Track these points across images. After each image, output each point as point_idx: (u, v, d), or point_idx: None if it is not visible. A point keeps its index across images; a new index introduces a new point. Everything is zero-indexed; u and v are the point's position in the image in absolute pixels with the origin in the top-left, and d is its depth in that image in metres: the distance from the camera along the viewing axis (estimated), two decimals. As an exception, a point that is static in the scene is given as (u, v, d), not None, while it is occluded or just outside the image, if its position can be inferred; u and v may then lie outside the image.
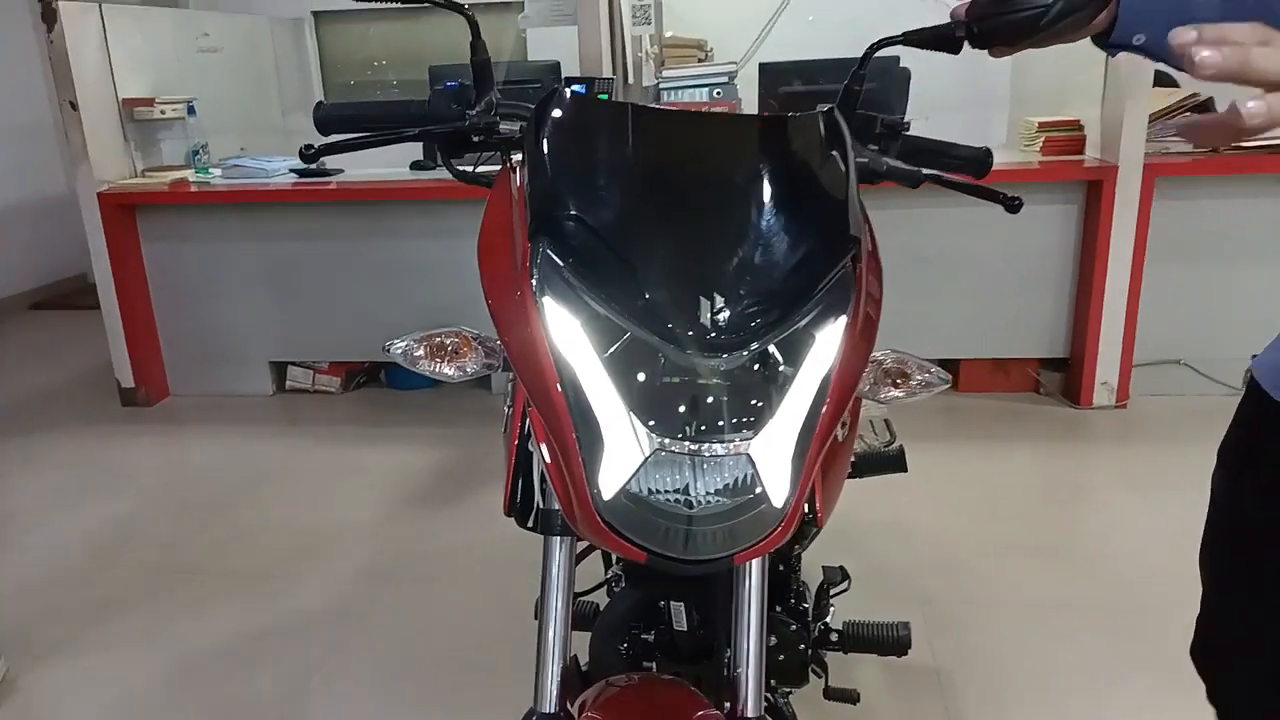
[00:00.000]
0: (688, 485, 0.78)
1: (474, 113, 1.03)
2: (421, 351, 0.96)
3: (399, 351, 0.97)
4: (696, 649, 1.21)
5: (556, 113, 0.92)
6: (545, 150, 0.90)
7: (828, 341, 0.83)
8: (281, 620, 2.25)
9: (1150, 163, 3.05)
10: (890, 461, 1.82)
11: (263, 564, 2.52)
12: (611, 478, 0.78)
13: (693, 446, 0.77)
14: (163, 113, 3.58)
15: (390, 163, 3.64)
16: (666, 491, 0.78)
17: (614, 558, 1.31)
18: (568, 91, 0.93)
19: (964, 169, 1.07)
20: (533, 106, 0.95)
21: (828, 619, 1.55)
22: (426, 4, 1.03)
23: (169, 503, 2.92)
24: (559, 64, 3.59)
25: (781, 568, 1.39)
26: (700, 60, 4.60)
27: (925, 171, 1.04)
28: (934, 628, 2.11)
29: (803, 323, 0.83)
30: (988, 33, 0.97)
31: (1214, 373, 3.30)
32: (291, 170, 3.64)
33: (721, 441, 0.78)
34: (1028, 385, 3.46)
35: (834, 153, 0.92)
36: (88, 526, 2.77)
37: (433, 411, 3.57)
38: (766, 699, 1.39)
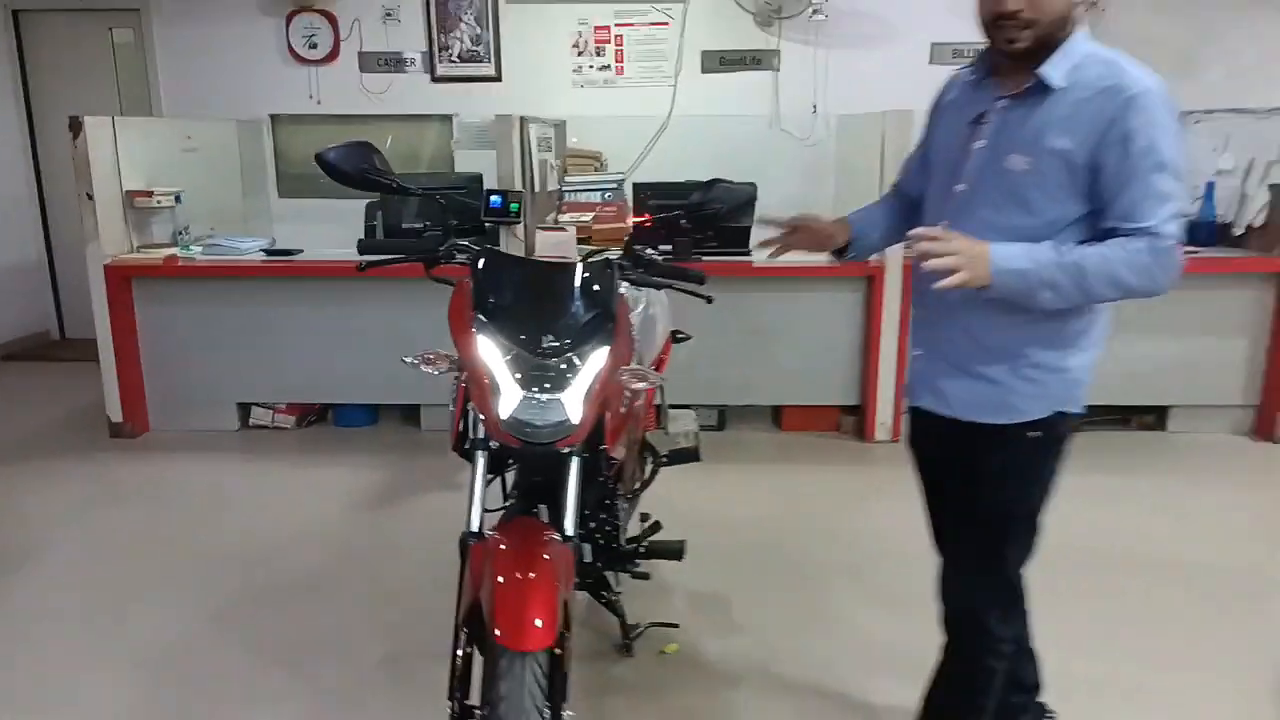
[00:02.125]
0: (536, 412, 1.76)
1: (442, 249, 2.05)
2: (417, 359, 1.94)
3: (409, 360, 1.94)
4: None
5: (485, 259, 1.94)
6: (481, 273, 1.92)
7: (599, 356, 1.84)
8: (253, 599, 3.01)
9: (909, 264, 4.22)
10: (691, 454, 2.89)
11: (240, 555, 3.33)
12: (505, 409, 1.75)
13: (539, 395, 1.76)
14: (158, 202, 4.47)
15: (341, 243, 4.60)
16: (527, 415, 1.76)
17: (509, 487, 2.26)
18: (490, 250, 1.95)
19: (689, 280, 2.10)
20: (475, 248, 1.97)
21: (641, 545, 2.57)
22: (433, 194, 2.04)
23: (161, 510, 3.74)
24: (481, 175, 4.58)
25: (604, 514, 2.34)
26: (596, 169, 5.70)
27: (665, 280, 2.09)
28: (736, 579, 3.12)
29: (588, 348, 1.84)
30: (700, 218, 2.05)
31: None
32: (261, 249, 4.56)
33: (550, 394, 1.77)
34: (832, 425, 4.57)
35: (608, 271, 1.95)
36: (106, 529, 3.59)
37: (370, 444, 4.46)
38: (603, 595, 2.40)
